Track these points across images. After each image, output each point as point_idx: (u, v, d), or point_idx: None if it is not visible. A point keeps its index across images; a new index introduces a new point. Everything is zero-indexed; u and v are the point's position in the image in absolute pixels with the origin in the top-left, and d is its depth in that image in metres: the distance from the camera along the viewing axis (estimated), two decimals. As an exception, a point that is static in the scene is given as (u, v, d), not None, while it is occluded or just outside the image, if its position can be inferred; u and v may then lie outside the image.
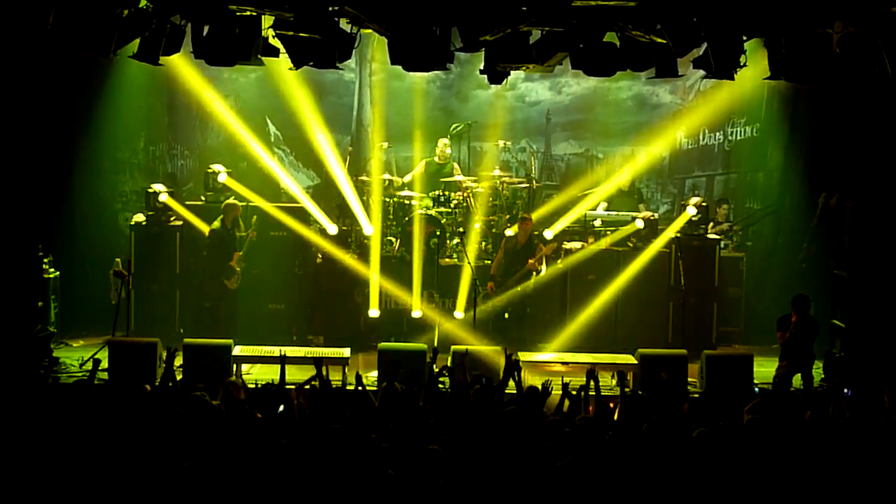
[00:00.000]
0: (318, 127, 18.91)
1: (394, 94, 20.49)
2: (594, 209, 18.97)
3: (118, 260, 17.07)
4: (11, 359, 14.59)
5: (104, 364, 15.01)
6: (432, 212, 18.32)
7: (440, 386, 12.59)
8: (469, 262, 17.03)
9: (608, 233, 18.31)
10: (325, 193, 19.45)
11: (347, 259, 18.03)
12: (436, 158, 19.35)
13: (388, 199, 18.55)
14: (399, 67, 13.90)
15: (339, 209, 18.42)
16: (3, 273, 15.26)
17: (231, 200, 17.40)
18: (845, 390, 14.22)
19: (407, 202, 18.47)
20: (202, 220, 17.64)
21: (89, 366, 14.97)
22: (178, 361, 13.97)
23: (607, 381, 15.19)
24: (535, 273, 17.35)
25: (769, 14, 13.03)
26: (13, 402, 10.85)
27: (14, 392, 11.24)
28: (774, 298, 18.85)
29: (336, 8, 13.27)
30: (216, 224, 17.12)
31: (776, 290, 18.95)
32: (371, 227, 17.90)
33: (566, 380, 11.91)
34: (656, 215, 18.90)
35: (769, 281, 19.20)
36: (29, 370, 14.73)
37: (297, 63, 13.76)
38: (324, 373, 11.67)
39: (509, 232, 17.69)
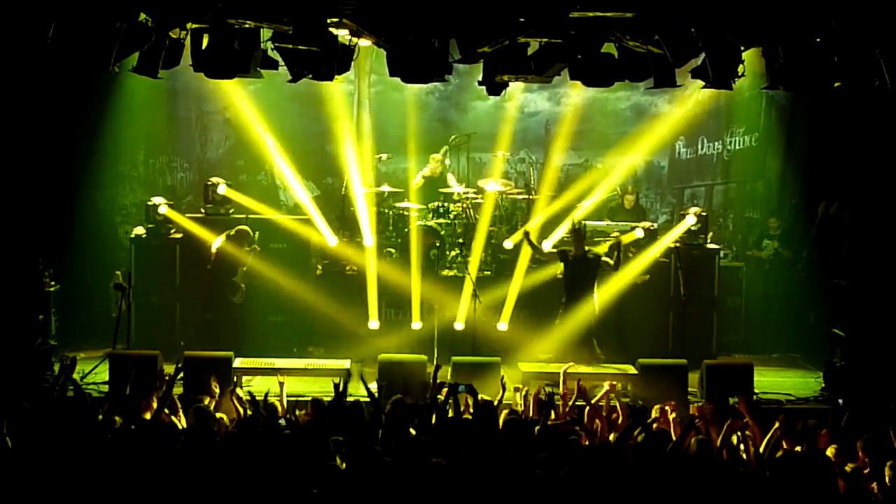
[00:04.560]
0: (321, 138, 18.94)
1: (392, 105, 20.52)
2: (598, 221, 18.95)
3: (118, 272, 17.08)
4: (12, 372, 14.60)
5: (104, 377, 15.08)
6: (431, 223, 18.33)
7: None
8: (468, 274, 17.03)
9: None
10: (325, 205, 19.44)
11: (347, 270, 18.06)
12: (428, 173, 19.40)
13: (386, 211, 18.57)
14: (398, 79, 13.93)
15: (338, 221, 18.44)
16: (3, 286, 15.29)
17: (245, 228, 17.35)
18: (839, 400, 14.27)
19: (406, 213, 18.48)
20: (203, 231, 17.67)
21: (91, 378, 15.06)
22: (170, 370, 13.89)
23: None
24: None
25: (767, 24, 13.04)
26: (16, 415, 10.86)
27: (16, 405, 11.23)
28: (774, 308, 18.89)
29: (334, 20, 13.30)
30: (221, 240, 17.09)
31: (776, 299, 18.98)
32: (371, 239, 17.90)
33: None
34: (655, 225, 18.92)
35: (769, 290, 19.19)
36: (31, 383, 14.72)
37: (296, 75, 13.77)
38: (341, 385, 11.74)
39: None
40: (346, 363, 15.51)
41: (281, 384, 13.23)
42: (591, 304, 16.40)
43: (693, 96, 20.39)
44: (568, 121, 20.85)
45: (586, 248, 16.62)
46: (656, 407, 12.04)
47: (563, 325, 16.42)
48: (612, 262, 16.56)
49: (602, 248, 16.97)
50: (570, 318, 16.37)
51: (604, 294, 16.94)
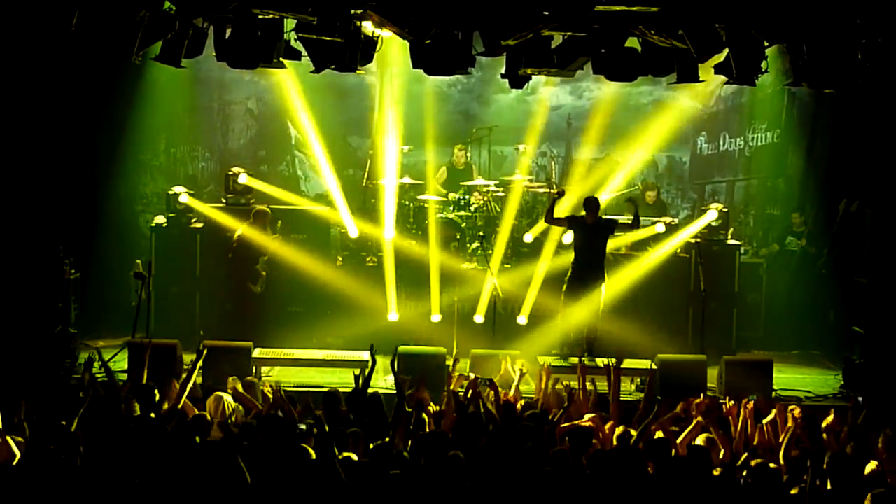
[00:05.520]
0: (343, 130, 18.93)
1: (414, 97, 20.47)
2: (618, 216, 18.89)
3: (138, 261, 17.06)
4: (33, 359, 14.65)
5: (123, 365, 15.12)
6: (452, 215, 18.32)
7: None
8: (489, 267, 16.99)
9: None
10: (346, 196, 19.39)
11: (367, 262, 18.07)
12: (454, 164, 19.43)
13: (407, 203, 18.57)
14: (420, 71, 13.94)
15: (360, 212, 18.44)
16: (24, 274, 15.34)
17: (262, 207, 17.35)
18: (858, 398, 14.21)
19: (426, 205, 18.46)
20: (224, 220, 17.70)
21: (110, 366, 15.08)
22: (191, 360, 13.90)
23: (627, 387, 15.22)
24: None
25: (792, 20, 13.01)
26: (35, 402, 10.91)
27: (36, 392, 11.28)
28: (794, 305, 18.84)
29: (359, 12, 13.30)
30: (242, 227, 17.09)
31: (796, 296, 18.93)
32: (392, 231, 17.90)
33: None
34: (676, 221, 18.89)
35: (789, 287, 19.14)
36: (50, 370, 14.77)
37: (319, 66, 13.79)
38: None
39: None
40: (365, 355, 15.50)
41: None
42: (596, 300, 16.36)
43: (715, 92, 20.35)
44: (590, 115, 20.81)
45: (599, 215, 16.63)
46: (680, 404, 12.01)
47: (566, 317, 16.45)
48: (629, 221, 16.60)
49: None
50: (575, 297, 16.38)
51: (617, 286, 16.99)
